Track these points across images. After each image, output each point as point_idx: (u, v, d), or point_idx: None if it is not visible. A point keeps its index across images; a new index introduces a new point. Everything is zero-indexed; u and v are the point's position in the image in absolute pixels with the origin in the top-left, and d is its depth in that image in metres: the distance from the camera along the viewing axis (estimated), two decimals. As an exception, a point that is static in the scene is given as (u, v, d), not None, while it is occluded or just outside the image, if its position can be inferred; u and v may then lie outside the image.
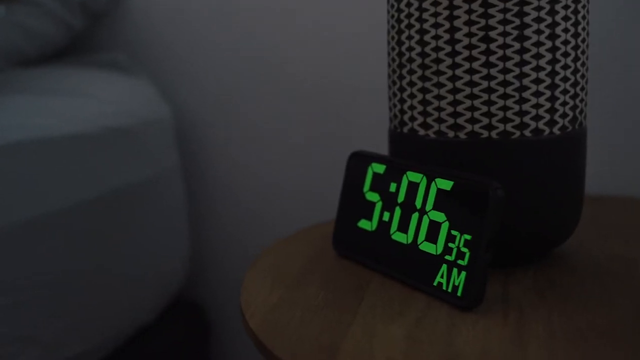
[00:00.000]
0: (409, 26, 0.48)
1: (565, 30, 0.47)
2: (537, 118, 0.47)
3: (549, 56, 0.46)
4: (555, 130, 0.48)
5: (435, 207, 0.46)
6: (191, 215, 1.01)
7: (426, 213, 0.46)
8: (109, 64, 0.99)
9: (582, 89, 0.49)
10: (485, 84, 0.46)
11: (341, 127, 0.90)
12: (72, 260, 0.70)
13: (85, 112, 0.79)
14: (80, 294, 0.72)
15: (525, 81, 0.46)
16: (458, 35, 0.46)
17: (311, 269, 0.52)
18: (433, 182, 0.46)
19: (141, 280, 0.83)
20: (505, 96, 0.46)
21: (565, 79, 0.47)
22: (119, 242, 0.78)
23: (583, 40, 0.49)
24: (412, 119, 0.50)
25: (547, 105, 0.47)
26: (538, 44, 0.46)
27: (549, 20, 0.46)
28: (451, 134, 0.48)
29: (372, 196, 0.52)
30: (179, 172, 0.94)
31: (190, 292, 1.05)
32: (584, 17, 0.48)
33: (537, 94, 0.46)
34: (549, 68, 0.46)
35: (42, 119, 0.72)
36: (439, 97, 0.48)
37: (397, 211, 0.49)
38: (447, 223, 0.45)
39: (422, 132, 0.49)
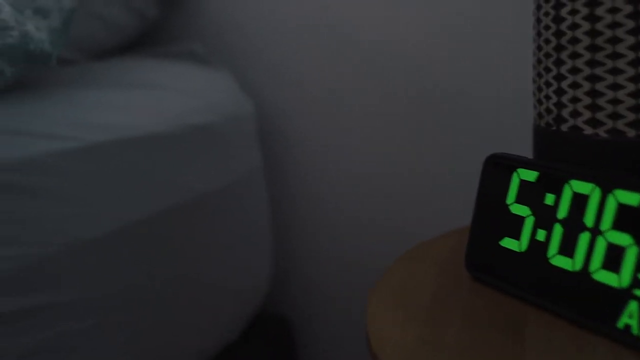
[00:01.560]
0: (574, -2, 0.39)
1: None
2: None
3: None
4: None
5: (616, 227, 0.36)
6: (274, 221, 0.93)
7: (602, 234, 0.37)
8: (185, 55, 0.92)
9: None
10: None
11: (463, 125, 0.80)
12: (151, 275, 0.64)
13: (169, 107, 0.72)
14: (161, 312, 0.65)
15: None
16: (646, 7, 0.36)
17: (445, 298, 0.43)
18: (611, 195, 0.36)
19: (223, 294, 0.76)
20: None
21: None
22: (199, 254, 0.71)
23: None
24: (575, 114, 0.40)
25: None
26: None
27: None
28: (631, 133, 0.38)
29: (520, 209, 0.42)
30: (262, 174, 0.87)
31: (275, 305, 0.98)
32: None
33: None
34: None
35: (122, 116, 0.65)
36: (616, 87, 0.38)
37: (557, 229, 0.39)
38: (635, 248, 0.35)
39: (589, 130, 0.40)
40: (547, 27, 0.42)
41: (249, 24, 0.94)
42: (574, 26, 0.39)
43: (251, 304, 0.83)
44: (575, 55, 0.39)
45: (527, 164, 0.42)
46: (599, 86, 0.38)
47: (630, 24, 0.37)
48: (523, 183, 0.42)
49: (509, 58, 0.73)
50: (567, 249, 0.38)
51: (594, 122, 0.39)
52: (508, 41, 0.72)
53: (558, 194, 0.39)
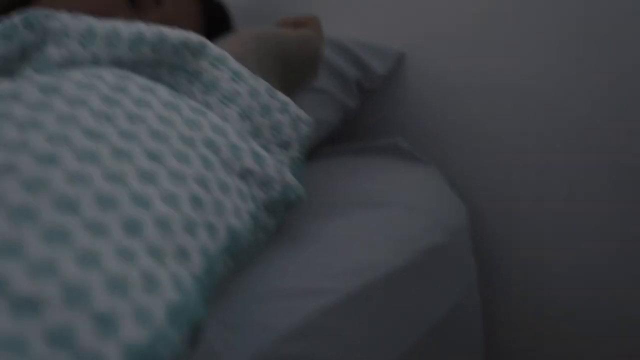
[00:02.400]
0: None
1: None
2: None
3: None
4: None
5: None
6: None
7: None
8: (389, 150, 0.86)
9: None
10: None
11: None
12: None
13: (401, 232, 0.65)
14: None
15: None
16: None
17: None
18: None
19: None
20: None
21: None
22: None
23: None
24: None
25: None
26: None
27: None
28: None
29: None
30: (477, 290, 0.79)
31: None
32: None
33: None
34: None
35: (364, 251, 0.59)
36: None
37: None
38: None
39: None
40: None
41: (449, 114, 0.88)
42: None
43: None
44: None
45: None
46: None
47: None
48: None
49: None
50: None
51: None
52: None
53: None
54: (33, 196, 0.30)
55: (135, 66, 0.50)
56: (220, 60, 0.52)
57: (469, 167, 0.87)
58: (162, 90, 0.44)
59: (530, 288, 0.84)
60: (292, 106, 0.57)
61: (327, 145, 0.91)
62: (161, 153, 0.38)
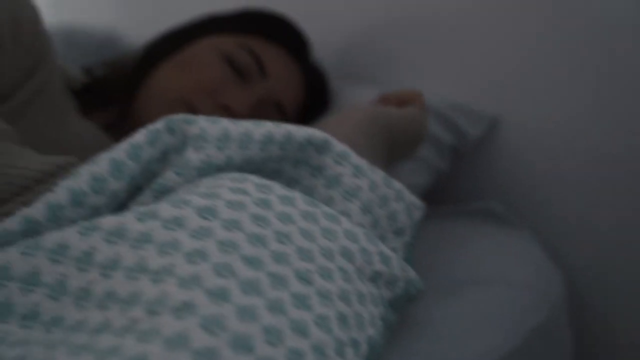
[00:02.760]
0: None
1: None
2: None
3: None
4: None
5: None
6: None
7: None
8: (484, 215, 0.86)
9: None
10: None
11: None
12: None
13: (510, 311, 0.65)
14: None
15: None
16: None
17: None
18: None
19: None
20: None
21: None
22: None
23: None
24: None
25: None
26: None
27: None
28: None
29: None
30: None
31: None
32: None
33: None
34: None
35: (485, 335, 0.59)
36: None
37: None
38: None
39: None
40: None
41: (542, 177, 0.87)
42: None
43: None
44: None
45: None
46: None
47: None
48: None
49: None
50: None
51: None
52: None
53: None
54: (212, 337, 0.32)
55: (263, 162, 0.52)
56: (343, 156, 0.53)
57: (563, 230, 0.86)
58: (300, 200, 0.45)
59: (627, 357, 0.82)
60: (406, 193, 0.58)
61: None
62: (310, 273, 0.40)
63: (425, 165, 0.84)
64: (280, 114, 0.76)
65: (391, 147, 0.66)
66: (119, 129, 0.73)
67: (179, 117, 0.49)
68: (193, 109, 0.69)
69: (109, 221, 0.39)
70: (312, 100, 0.81)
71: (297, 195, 0.46)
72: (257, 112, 0.74)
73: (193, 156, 0.48)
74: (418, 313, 0.60)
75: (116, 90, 0.73)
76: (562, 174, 0.85)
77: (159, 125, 0.48)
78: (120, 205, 0.48)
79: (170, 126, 0.49)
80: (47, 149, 0.61)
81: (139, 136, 0.47)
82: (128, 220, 0.38)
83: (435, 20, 0.91)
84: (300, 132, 0.52)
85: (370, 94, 0.88)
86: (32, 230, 0.42)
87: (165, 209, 0.39)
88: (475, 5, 0.87)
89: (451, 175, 0.95)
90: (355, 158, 0.54)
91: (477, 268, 0.72)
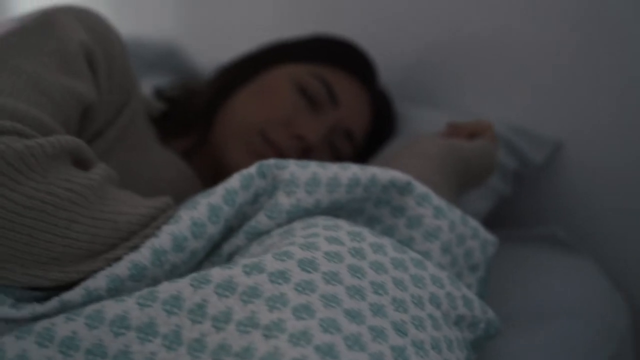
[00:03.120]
0: None
1: None
2: None
3: None
4: None
5: None
6: None
7: None
8: (548, 241, 0.87)
9: None
10: None
11: None
12: None
13: (581, 346, 0.66)
14: None
15: None
16: None
17: None
18: None
19: None
20: None
21: None
22: None
23: None
24: None
25: None
26: None
27: None
28: None
29: None
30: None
31: None
32: None
33: None
34: None
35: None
36: None
37: None
38: None
39: None
40: None
41: (604, 204, 0.87)
42: None
43: None
44: None
45: None
46: None
47: None
48: None
49: None
50: None
51: None
52: None
53: None
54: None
55: (347, 202, 0.54)
56: (425, 197, 0.55)
57: (625, 257, 0.86)
58: (389, 247, 0.47)
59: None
60: (481, 230, 0.59)
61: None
62: (405, 324, 0.41)
63: (489, 191, 0.85)
64: (350, 141, 0.78)
65: (463, 180, 0.67)
66: (196, 156, 0.76)
67: (270, 163, 0.51)
68: (268, 139, 0.71)
69: (218, 274, 0.41)
70: (379, 126, 0.83)
71: (386, 242, 0.48)
72: (328, 139, 0.76)
73: (284, 200, 0.50)
74: (496, 345, 0.62)
75: (194, 118, 0.76)
76: (623, 200, 0.85)
77: (252, 170, 0.51)
78: (214, 245, 0.51)
79: (263, 171, 0.51)
80: (135, 181, 0.64)
81: (234, 181, 0.50)
82: (236, 273, 0.41)
83: (498, 43, 0.92)
84: (384, 174, 0.54)
85: (433, 117, 0.90)
86: (139, 274, 0.45)
87: (269, 261, 0.41)
88: (539, 31, 0.87)
89: (512, 198, 0.95)
90: (436, 199, 0.55)
91: (547, 298, 0.73)
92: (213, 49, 1.48)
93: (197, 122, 0.76)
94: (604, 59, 0.82)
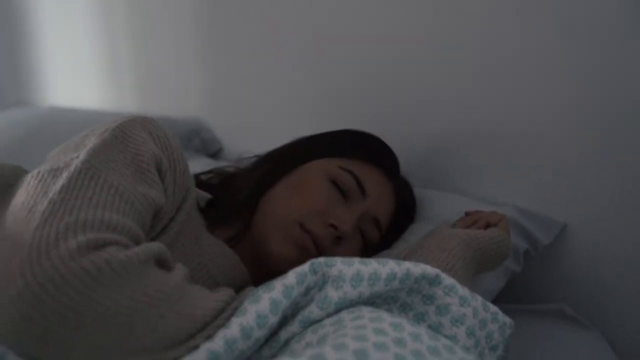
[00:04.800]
0: None
1: None
2: None
3: None
4: None
5: None
6: None
7: None
8: (556, 316, 0.94)
9: None
10: None
11: None
12: None
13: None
14: None
15: None
16: None
17: None
18: None
19: None
20: None
21: None
22: None
23: None
24: None
25: None
26: None
27: None
28: None
29: None
30: None
31: None
32: None
33: None
34: None
35: None
36: None
37: None
38: None
39: None
40: None
41: (609, 282, 0.95)
42: None
43: None
44: None
45: None
46: None
47: None
48: None
49: None
50: None
51: None
52: None
53: None
54: None
55: (384, 293, 0.62)
56: (451, 288, 0.63)
57: (627, 330, 0.93)
58: (425, 335, 0.55)
59: None
60: (500, 315, 0.67)
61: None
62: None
63: (502, 271, 0.93)
64: (377, 227, 0.87)
65: (479, 268, 0.76)
66: (240, 243, 0.85)
67: (320, 261, 0.60)
68: (306, 229, 0.80)
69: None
70: (402, 212, 0.92)
71: (422, 331, 0.56)
72: (358, 226, 0.85)
73: (333, 294, 0.59)
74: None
75: (237, 209, 0.84)
76: (624, 276, 0.93)
77: (305, 267, 0.59)
78: (272, 332, 0.59)
79: (314, 268, 0.60)
80: (192, 268, 0.72)
81: (291, 278, 0.58)
82: (303, 364, 0.49)
83: (509, 133, 1.02)
84: (417, 268, 0.63)
85: (450, 202, 0.99)
86: None
87: (329, 352, 0.49)
88: (549, 124, 0.97)
89: (521, 273, 1.03)
90: (461, 290, 0.64)
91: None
92: (235, 127, 1.58)
93: (240, 212, 0.84)
94: (607, 155, 0.91)
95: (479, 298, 0.66)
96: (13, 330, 0.48)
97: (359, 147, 0.89)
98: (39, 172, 0.61)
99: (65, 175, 0.59)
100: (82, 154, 0.62)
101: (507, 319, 0.68)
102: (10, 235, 0.53)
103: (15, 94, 2.17)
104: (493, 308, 0.67)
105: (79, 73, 1.95)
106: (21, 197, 0.58)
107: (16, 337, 0.48)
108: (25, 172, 0.66)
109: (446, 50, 1.07)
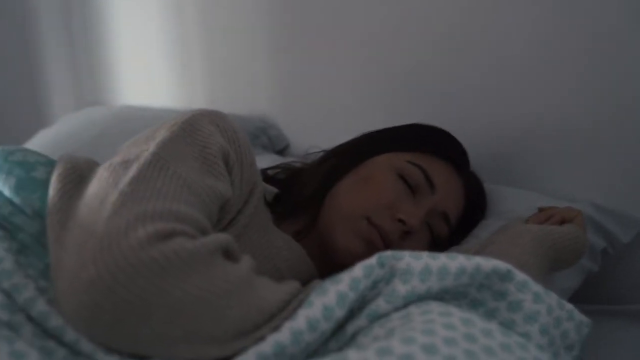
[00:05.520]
0: None
1: None
2: None
3: None
4: None
5: None
6: None
7: None
8: (636, 319, 0.90)
9: None
10: None
11: None
12: None
13: None
14: None
15: None
16: None
17: None
18: None
19: None
20: None
21: None
22: None
23: None
24: None
25: None
26: None
27: None
28: None
29: None
30: None
31: None
32: None
33: None
34: None
35: None
36: None
37: None
38: None
39: None
40: None
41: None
42: None
43: None
44: None
45: None
46: None
47: None
48: None
49: None
50: None
51: None
52: None
53: None
54: None
55: (453, 288, 0.61)
56: (524, 284, 0.61)
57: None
58: (497, 332, 0.53)
59: None
60: (576, 313, 0.64)
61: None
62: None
63: (578, 269, 0.90)
64: (446, 223, 0.85)
65: (553, 264, 0.73)
66: (306, 237, 0.84)
67: (388, 254, 0.59)
68: (373, 223, 0.79)
69: (354, 356, 0.48)
70: (471, 208, 0.89)
71: (494, 327, 0.54)
72: (426, 221, 0.83)
73: (401, 287, 0.57)
74: None
75: (303, 202, 0.84)
76: None
77: (372, 260, 0.58)
78: (339, 326, 0.58)
79: (382, 261, 0.59)
80: (259, 262, 0.72)
81: (358, 271, 0.58)
82: (370, 355, 0.48)
83: (583, 127, 0.98)
84: (487, 263, 0.61)
85: (522, 197, 0.96)
86: (281, 352, 0.53)
87: (396, 346, 0.48)
88: (625, 116, 0.92)
89: (598, 273, 0.99)
90: (534, 286, 0.61)
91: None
92: (302, 124, 1.58)
93: (306, 206, 0.84)
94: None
95: (554, 295, 0.63)
96: (84, 317, 0.49)
97: (427, 141, 0.88)
98: (110, 164, 0.63)
99: (135, 167, 0.60)
100: (152, 147, 0.63)
101: (584, 318, 0.65)
102: (83, 224, 0.55)
103: (93, 94, 2.25)
104: (568, 306, 0.64)
105: (151, 73, 2.01)
106: (94, 187, 0.60)
107: (87, 324, 0.50)
108: (98, 164, 0.68)
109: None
